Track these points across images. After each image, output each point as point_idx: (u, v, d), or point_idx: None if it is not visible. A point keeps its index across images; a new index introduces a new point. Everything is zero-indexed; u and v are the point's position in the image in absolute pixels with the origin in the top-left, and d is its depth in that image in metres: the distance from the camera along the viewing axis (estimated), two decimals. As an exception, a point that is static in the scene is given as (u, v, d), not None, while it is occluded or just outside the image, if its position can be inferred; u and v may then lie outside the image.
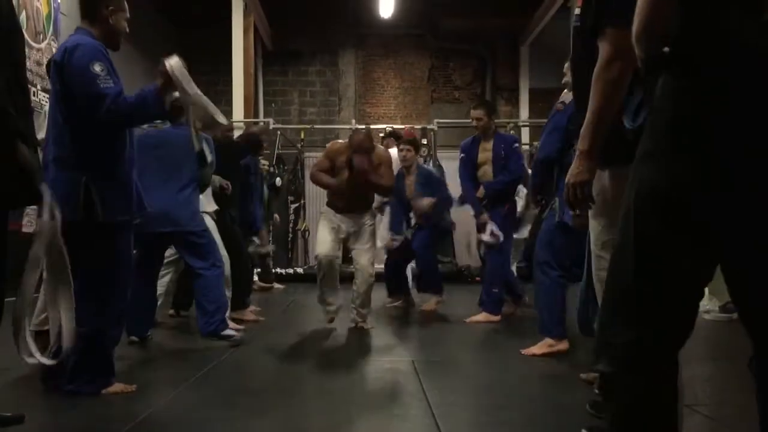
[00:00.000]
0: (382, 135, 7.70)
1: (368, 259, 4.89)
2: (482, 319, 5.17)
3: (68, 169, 2.82)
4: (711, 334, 4.67)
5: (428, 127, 10.02)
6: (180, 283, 5.28)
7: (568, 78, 3.55)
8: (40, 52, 6.32)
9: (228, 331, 4.21)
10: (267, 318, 5.43)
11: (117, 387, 2.94)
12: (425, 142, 9.48)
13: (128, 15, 3.05)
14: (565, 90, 3.70)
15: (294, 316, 6.01)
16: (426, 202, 5.74)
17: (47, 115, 2.97)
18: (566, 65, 3.60)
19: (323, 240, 4.84)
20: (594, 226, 2.09)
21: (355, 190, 4.75)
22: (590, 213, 2.08)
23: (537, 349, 3.81)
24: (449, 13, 11.19)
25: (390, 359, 3.93)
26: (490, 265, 5.35)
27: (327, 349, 4.19)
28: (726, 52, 1.34)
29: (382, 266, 6.10)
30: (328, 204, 4.94)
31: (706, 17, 1.36)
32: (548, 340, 3.79)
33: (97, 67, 2.77)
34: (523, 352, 3.83)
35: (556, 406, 2.85)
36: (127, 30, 3.06)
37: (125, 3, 3.05)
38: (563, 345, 3.77)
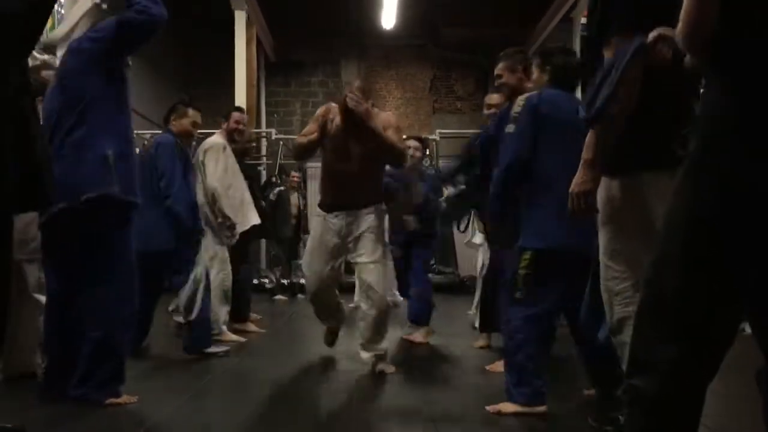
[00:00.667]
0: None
1: (377, 276, 3.64)
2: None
3: (91, 149, 2.83)
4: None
5: (430, 137, 10.03)
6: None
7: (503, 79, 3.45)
8: (43, 63, 6.34)
9: (212, 348, 4.13)
10: (269, 328, 5.42)
11: (120, 398, 2.93)
12: (428, 153, 9.49)
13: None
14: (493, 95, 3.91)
15: (296, 326, 6.00)
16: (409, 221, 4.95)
17: (55, 111, 2.95)
18: (500, 65, 3.45)
19: (311, 262, 3.78)
20: (602, 235, 2.07)
21: (352, 167, 3.61)
22: (598, 222, 2.06)
23: (503, 366, 3.71)
24: (451, 24, 11.23)
25: (392, 373, 3.92)
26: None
27: (328, 360, 4.17)
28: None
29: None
30: (320, 204, 3.83)
31: (751, 20, 1.34)
32: None
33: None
34: (488, 368, 3.76)
35: (557, 417, 2.84)
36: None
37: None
38: None
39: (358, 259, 3.68)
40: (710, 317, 1.37)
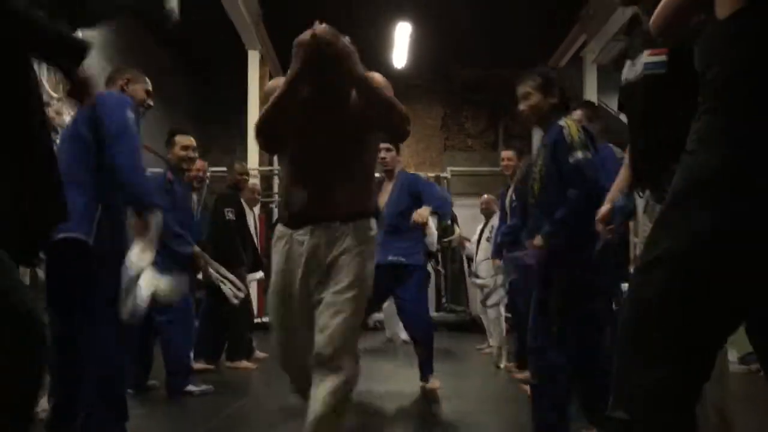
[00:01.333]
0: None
1: (341, 328, 2.15)
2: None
3: (84, 195, 2.83)
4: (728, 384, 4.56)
5: (441, 175, 10.08)
6: (203, 332, 5.28)
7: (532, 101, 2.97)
8: (60, 101, 6.43)
9: (189, 387, 4.10)
10: (276, 365, 5.37)
11: (128, 437, 2.89)
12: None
13: (149, 87, 3.16)
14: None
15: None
16: (423, 211, 4.27)
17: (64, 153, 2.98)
18: (530, 82, 3.00)
19: (278, 306, 2.32)
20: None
21: (328, 156, 2.25)
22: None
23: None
24: (462, 62, 11.36)
25: (404, 410, 3.86)
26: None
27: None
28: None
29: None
30: (282, 218, 2.41)
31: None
32: None
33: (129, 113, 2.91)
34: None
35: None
36: (150, 103, 3.20)
37: (144, 77, 3.19)
38: None
39: (324, 294, 2.22)
40: (703, 345, 1.35)
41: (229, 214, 5.35)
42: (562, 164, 2.76)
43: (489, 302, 5.35)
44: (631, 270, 2.16)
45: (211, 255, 4.46)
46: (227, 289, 4.37)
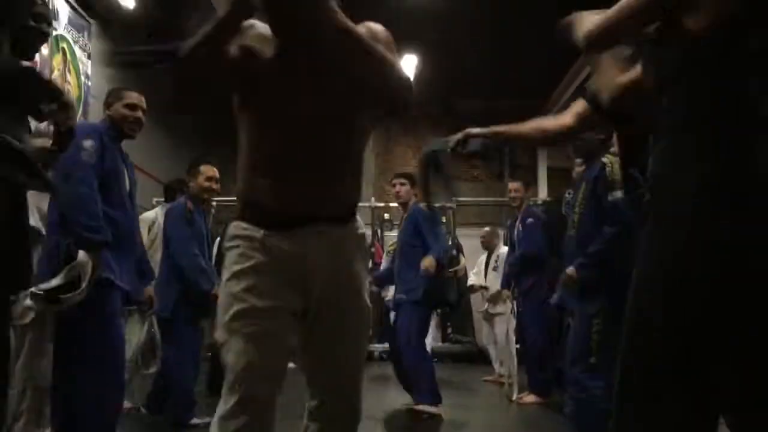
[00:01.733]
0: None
1: (355, 376, 1.86)
2: (531, 400, 5.10)
3: (54, 233, 2.86)
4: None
5: (447, 205, 10.07)
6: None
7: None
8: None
9: (194, 420, 4.00)
10: (282, 397, 5.31)
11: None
12: (444, 220, 9.52)
13: (129, 102, 3.14)
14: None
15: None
16: (427, 262, 4.51)
17: None
18: None
19: (246, 344, 1.70)
20: None
21: (311, 133, 1.68)
22: None
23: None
24: (467, 94, 11.44)
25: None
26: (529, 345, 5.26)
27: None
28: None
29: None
30: (249, 215, 1.74)
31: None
32: None
33: (86, 143, 2.88)
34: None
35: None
36: (137, 116, 3.16)
37: (124, 92, 3.18)
38: None
39: (324, 341, 1.82)
40: (702, 367, 1.28)
41: None
42: (601, 200, 2.95)
43: (498, 330, 5.45)
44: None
45: None
46: None
